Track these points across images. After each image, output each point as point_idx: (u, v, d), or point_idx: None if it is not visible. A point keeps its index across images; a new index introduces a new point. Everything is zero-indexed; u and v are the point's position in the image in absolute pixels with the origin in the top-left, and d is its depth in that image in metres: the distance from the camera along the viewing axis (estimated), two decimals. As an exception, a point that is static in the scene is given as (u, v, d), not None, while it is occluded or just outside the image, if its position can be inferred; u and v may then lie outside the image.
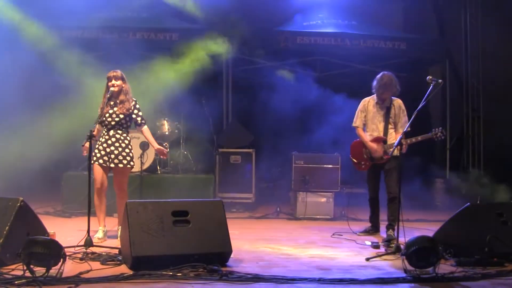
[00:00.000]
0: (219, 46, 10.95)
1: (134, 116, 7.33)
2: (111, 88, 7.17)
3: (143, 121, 7.40)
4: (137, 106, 7.36)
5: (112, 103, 7.24)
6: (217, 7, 11.31)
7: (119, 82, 7.21)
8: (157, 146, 7.50)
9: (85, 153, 7.01)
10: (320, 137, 10.55)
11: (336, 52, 11.83)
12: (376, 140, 7.72)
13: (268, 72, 11.97)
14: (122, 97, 7.24)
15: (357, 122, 7.93)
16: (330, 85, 12.29)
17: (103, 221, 7.30)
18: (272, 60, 12.22)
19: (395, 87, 7.70)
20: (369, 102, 7.91)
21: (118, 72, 7.29)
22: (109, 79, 7.23)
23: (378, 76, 7.79)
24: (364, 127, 7.93)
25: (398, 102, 7.81)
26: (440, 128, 7.23)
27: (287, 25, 12.14)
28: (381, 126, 7.77)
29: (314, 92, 11.66)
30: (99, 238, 7.07)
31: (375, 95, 7.86)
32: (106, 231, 7.30)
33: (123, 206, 6.05)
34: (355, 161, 7.97)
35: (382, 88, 7.67)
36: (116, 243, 6.71)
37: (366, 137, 7.82)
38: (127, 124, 7.31)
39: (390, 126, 7.77)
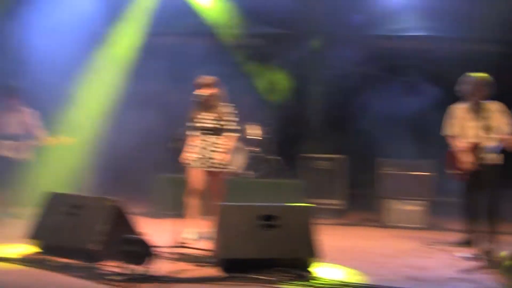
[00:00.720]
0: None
1: (228, 121, 7.42)
2: (204, 94, 7.29)
3: (235, 127, 7.47)
4: (232, 111, 7.45)
5: (204, 108, 7.35)
6: (305, 12, 11.35)
7: (211, 89, 7.33)
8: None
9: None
10: (413, 144, 10.33)
11: (429, 56, 11.55)
12: (472, 147, 7.39)
13: (359, 76, 11.85)
14: (215, 102, 7.36)
15: (450, 130, 7.60)
16: (423, 90, 12.05)
17: (194, 222, 7.43)
18: (363, 64, 12.07)
19: (488, 89, 7.38)
20: (460, 108, 7.55)
21: (210, 78, 7.41)
22: (201, 86, 7.36)
23: (471, 78, 7.46)
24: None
25: (494, 105, 7.44)
26: None
27: (371, 29, 11.95)
28: (474, 132, 7.41)
29: (406, 97, 11.44)
30: (189, 239, 7.17)
31: (463, 100, 7.55)
32: (198, 232, 7.40)
33: (217, 209, 6.15)
34: (454, 170, 7.59)
35: (478, 90, 7.36)
36: (209, 245, 6.79)
37: (462, 145, 7.50)
38: (223, 128, 7.40)
39: (485, 133, 7.38)
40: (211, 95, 7.33)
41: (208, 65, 10.58)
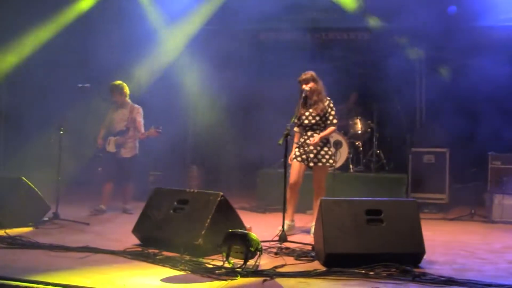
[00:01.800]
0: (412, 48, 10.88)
1: (327, 115, 7.51)
2: (304, 90, 7.43)
3: (334, 121, 7.56)
4: (331, 105, 7.54)
5: (307, 105, 7.49)
6: (402, 4, 11.20)
7: (310, 84, 7.44)
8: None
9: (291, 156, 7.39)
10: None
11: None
12: None
13: (463, 69, 11.58)
14: (315, 97, 7.47)
15: None
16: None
17: (291, 216, 7.56)
18: (466, 57, 11.79)
19: None
20: None
21: (308, 74, 7.52)
22: (301, 82, 7.49)
23: None
24: None
25: None
26: None
27: (481, 19, 11.63)
28: None
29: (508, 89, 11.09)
30: (288, 233, 7.21)
31: None
32: (293, 226, 7.56)
33: (319, 204, 6.25)
34: None
35: None
36: (309, 239, 6.95)
37: None
38: (324, 123, 7.52)
39: None
40: (312, 91, 7.45)
41: (312, 60, 10.80)
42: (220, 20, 11.49)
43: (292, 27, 11.67)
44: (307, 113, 7.48)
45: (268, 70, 12.87)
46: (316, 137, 7.38)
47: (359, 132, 10.67)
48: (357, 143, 10.80)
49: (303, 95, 7.43)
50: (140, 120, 9.27)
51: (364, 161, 10.74)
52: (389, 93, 11.03)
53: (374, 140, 10.80)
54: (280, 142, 7.00)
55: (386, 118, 11.03)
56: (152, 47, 11.18)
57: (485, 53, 11.40)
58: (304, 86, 7.45)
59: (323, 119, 7.50)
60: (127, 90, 9.36)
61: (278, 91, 10.35)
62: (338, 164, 9.89)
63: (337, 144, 9.80)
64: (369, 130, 10.75)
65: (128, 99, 9.40)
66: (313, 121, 7.46)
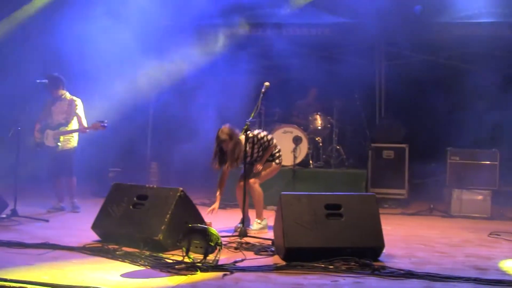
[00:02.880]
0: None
1: (262, 147, 7.58)
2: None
3: (270, 143, 7.62)
4: (259, 136, 7.57)
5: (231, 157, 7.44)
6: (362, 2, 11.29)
7: (230, 145, 7.34)
8: None
9: None
10: (476, 132, 10.19)
11: (495, 43, 11.32)
12: None
13: (421, 65, 11.73)
14: (237, 152, 7.37)
15: None
16: (486, 78, 11.83)
17: (246, 213, 7.47)
18: (425, 53, 11.95)
19: None
20: None
21: (224, 134, 7.33)
22: (218, 142, 7.41)
23: None
24: None
25: None
26: None
27: (440, 16, 11.78)
28: None
29: (468, 85, 11.27)
30: (248, 229, 7.23)
31: None
32: (249, 222, 7.56)
33: (254, 199, 6.22)
34: None
35: None
36: (270, 234, 6.94)
37: None
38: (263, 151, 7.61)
39: None
40: (231, 150, 7.38)
41: (272, 57, 10.79)
42: (176, 16, 11.36)
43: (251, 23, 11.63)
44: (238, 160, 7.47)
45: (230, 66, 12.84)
46: (260, 166, 7.56)
47: (319, 127, 10.70)
48: (317, 139, 10.84)
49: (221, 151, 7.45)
50: (81, 113, 9.01)
51: (324, 156, 10.78)
52: (349, 89, 11.09)
53: (334, 135, 10.85)
54: (240, 137, 6.96)
55: (346, 113, 11.08)
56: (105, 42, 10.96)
57: (443, 49, 11.59)
58: (224, 148, 7.39)
59: (260, 148, 7.58)
60: (63, 82, 9.09)
61: (242, 87, 10.34)
62: (298, 160, 9.92)
63: (297, 140, 9.82)
64: (329, 125, 10.79)
65: (66, 92, 9.11)
66: (251, 160, 7.55)
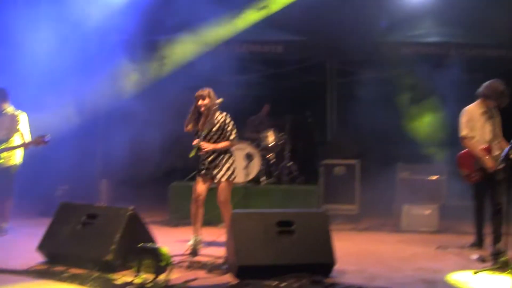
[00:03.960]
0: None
1: (225, 131, 7.49)
2: (199, 106, 7.38)
3: (230, 137, 7.51)
4: (228, 120, 7.48)
5: (203, 120, 7.42)
6: (319, 18, 11.43)
7: (206, 101, 7.38)
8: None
9: None
10: (427, 148, 10.39)
11: (441, 62, 11.61)
12: (486, 150, 7.47)
13: (372, 83, 11.90)
14: (211, 114, 7.41)
15: (466, 132, 7.55)
16: (434, 95, 12.10)
17: (198, 231, 7.38)
18: (376, 70, 12.15)
19: (506, 97, 7.46)
20: (475, 111, 7.58)
21: (206, 91, 7.39)
22: (197, 98, 7.44)
23: (492, 83, 7.47)
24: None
25: (497, 112, 7.57)
26: None
27: (391, 35, 12.04)
28: (489, 136, 7.51)
29: (418, 103, 11.50)
30: (198, 247, 7.19)
31: (479, 103, 7.60)
32: (200, 240, 7.44)
33: (227, 218, 6.21)
34: (465, 172, 7.68)
35: (496, 96, 7.42)
36: (222, 252, 6.91)
37: (478, 148, 7.49)
38: (222, 139, 7.49)
39: (496, 136, 7.49)
40: (206, 107, 7.41)
41: (225, 73, 10.82)
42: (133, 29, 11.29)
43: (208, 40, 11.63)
44: (204, 129, 7.40)
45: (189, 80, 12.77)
46: (209, 146, 7.36)
47: (271, 144, 10.72)
48: (269, 155, 10.86)
49: (197, 110, 7.37)
50: (23, 128, 8.63)
51: (276, 173, 10.80)
52: (300, 106, 11.18)
53: (285, 152, 10.89)
54: (191, 155, 6.93)
55: (297, 130, 11.15)
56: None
57: (393, 67, 11.81)
58: (200, 102, 7.38)
59: (221, 135, 7.47)
60: (7, 96, 8.68)
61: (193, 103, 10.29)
62: (250, 177, 9.92)
63: (249, 157, 9.82)
64: (281, 142, 10.82)
65: (9, 106, 8.71)
66: (211, 138, 7.41)
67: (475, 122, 7.55)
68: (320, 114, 11.73)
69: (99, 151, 12.17)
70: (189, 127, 7.43)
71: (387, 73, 12.19)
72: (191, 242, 7.26)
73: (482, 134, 7.54)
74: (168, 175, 11.16)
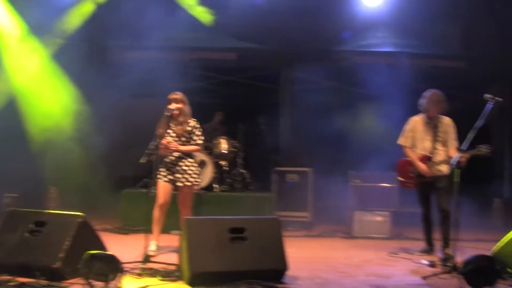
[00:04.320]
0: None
1: (192, 136, 7.47)
2: (172, 111, 7.36)
3: (198, 142, 7.53)
4: (197, 126, 7.51)
5: (173, 124, 7.42)
6: (273, 26, 11.50)
7: (179, 105, 7.40)
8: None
9: None
10: (379, 156, 10.48)
11: (395, 72, 11.80)
12: (422, 158, 7.65)
13: (326, 91, 12.01)
14: (181, 118, 7.42)
15: (404, 140, 7.84)
16: (387, 104, 12.28)
17: (157, 236, 7.42)
18: (330, 79, 12.26)
19: (444, 105, 7.66)
20: (417, 121, 7.83)
21: (179, 95, 7.48)
22: (169, 101, 7.43)
23: (427, 93, 7.73)
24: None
25: (446, 120, 7.74)
26: (486, 144, 7.10)
27: (345, 44, 12.18)
28: (428, 144, 7.71)
29: (371, 112, 11.66)
30: (151, 251, 7.18)
31: (423, 113, 7.81)
32: (162, 247, 7.43)
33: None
34: (401, 179, 7.91)
35: (433, 105, 7.63)
36: (174, 259, 6.83)
37: (415, 155, 7.73)
38: (189, 143, 7.48)
39: (438, 145, 7.68)
40: (179, 110, 7.41)
41: (178, 80, 10.73)
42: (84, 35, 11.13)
43: (158, 46, 11.56)
44: (172, 133, 7.40)
45: (133, 88, 12.66)
46: (177, 146, 7.34)
47: (224, 151, 10.68)
48: (222, 163, 10.83)
49: (169, 113, 7.35)
50: None
51: (229, 180, 10.77)
52: (254, 113, 11.19)
53: (238, 159, 10.87)
54: (143, 161, 6.87)
55: (251, 137, 11.15)
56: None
57: (346, 76, 11.94)
58: (173, 105, 7.38)
59: (188, 139, 7.45)
60: None
61: (145, 109, 10.20)
62: (203, 184, 9.86)
63: (202, 164, 9.77)
64: (234, 149, 10.80)
65: None
66: (178, 142, 7.39)
67: (415, 133, 7.83)
68: (273, 121, 11.73)
69: (50, 157, 11.93)
70: (161, 130, 7.38)
71: (340, 82, 12.31)
72: (153, 248, 7.25)
73: (422, 143, 7.77)
74: (118, 183, 11.01)
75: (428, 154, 7.66)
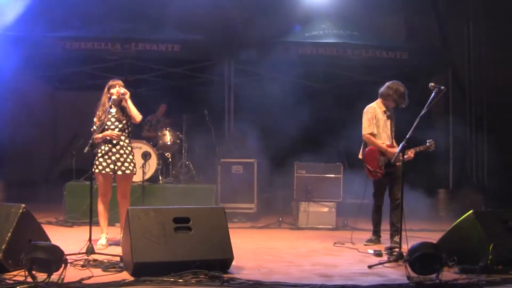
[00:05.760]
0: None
1: (129, 124, 7.33)
2: (113, 96, 7.17)
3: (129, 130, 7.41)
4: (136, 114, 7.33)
5: (113, 111, 7.23)
6: (217, 18, 11.41)
7: (123, 90, 7.22)
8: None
9: None
10: (323, 147, 10.52)
11: (338, 62, 11.86)
12: (389, 147, 7.63)
13: (270, 83, 11.98)
14: (123, 103, 7.25)
15: (371, 129, 7.68)
16: (332, 96, 12.36)
17: (106, 229, 7.31)
18: (274, 71, 12.23)
19: (403, 97, 7.67)
20: (376, 109, 7.75)
21: (119, 81, 7.34)
22: (112, 87, 7.25)
23: (393, 84, 7.69)
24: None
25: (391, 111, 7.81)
26: (432, 139, 7.19)
27: (289, 35, 12.18)
28: (389, 134, 7.72)
29: (315, 103, 11.67)
30: (102, 245, 7.09)
31: (379, 102, 7.77)
32: (107, 238, 7.28)
33: (125, 214, 6.04)
34: (370, 169, 7.66)
35: (398, 97, 7.60)
36: (118, 250, 6.68)
37: (381, 144, 7.61)
38: (128, 129, 7.31)
39: (393, 135, 7.74)
40: (120, 97, 7.22)
41: (122, 72, 10.55)
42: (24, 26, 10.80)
43: (102, 38, 11.33)
44: (112, 119, 7.20)
45: (77, 80, 12.42)
46: (119, 134, 7.20)
47: (168, 143, 10.55)
48: (166, 154, 10.69)
49: (110, 102, 7.15)
50: None
51: (173, 172, 10.65)
52: (198, 105, 11.07)
53: (183, 151, 10.74)
54: (86, 150, 6.67)
55: (195, 129, 11.02)
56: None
57: (290, 67, 11.93)
58: (121, 88, 7.19)
59: (128, 123, 7.29)
60: None
61: (86, 102, 9.95)
62: (147, 176, 9.71)
63: (146, 156, 9.62)
64: (178, 141, 10.67)
65: None
66: (120, 126, 7.20)
67: (377, 120, 7.72)
68: (218, 113, 11.65)
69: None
70: (102, 117, 7.17)
71: (285, 73, 12.29)
72: (103, 242, 7.15)
73: (385, 131, 7.73)
74: (61, 176, 10.74)
75: (391, 144, 7.65)
